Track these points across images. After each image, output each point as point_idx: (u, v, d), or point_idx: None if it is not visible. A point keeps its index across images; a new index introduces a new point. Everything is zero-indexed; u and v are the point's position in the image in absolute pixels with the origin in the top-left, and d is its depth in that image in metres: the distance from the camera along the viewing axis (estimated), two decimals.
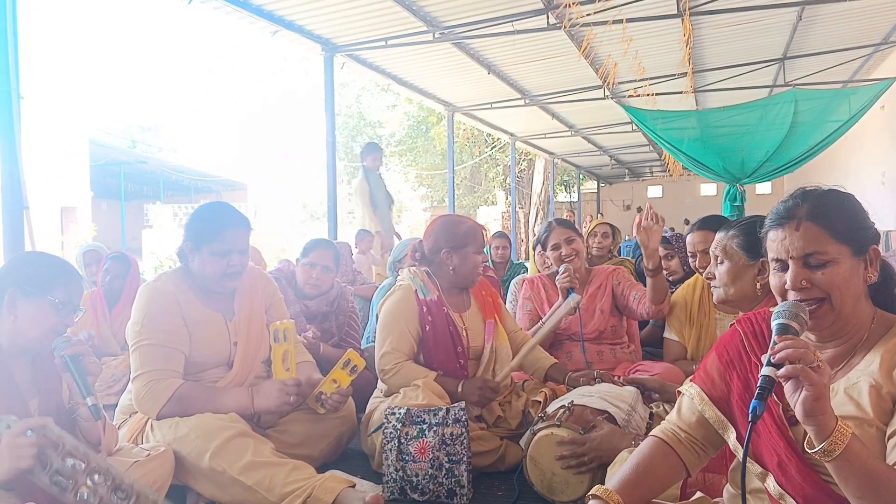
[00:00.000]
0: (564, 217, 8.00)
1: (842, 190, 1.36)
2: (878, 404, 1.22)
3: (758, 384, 1.17)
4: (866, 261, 1.31)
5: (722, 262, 2.20)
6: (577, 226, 3.79)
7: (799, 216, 1.30)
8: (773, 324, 1.23)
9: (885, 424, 1.22)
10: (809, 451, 1.15)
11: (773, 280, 1.33)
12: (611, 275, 3.36)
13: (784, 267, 1.31)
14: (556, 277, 3.19)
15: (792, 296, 1.29)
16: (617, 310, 3.31)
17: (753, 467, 1.32)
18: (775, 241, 1.32)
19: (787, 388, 1.15)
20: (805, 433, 1.24)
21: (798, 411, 1.13)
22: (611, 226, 4.88)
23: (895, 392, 1.22)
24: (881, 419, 1.22)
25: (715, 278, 2.23)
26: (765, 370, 1.17)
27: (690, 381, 1.48)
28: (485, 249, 2.88)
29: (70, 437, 1.61)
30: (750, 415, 1.16)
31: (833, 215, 1.29)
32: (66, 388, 1.92)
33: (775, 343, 1.18)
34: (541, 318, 3.33)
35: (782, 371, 1.13)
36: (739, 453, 1.34)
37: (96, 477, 1.59)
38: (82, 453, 1.60)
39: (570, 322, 3.20)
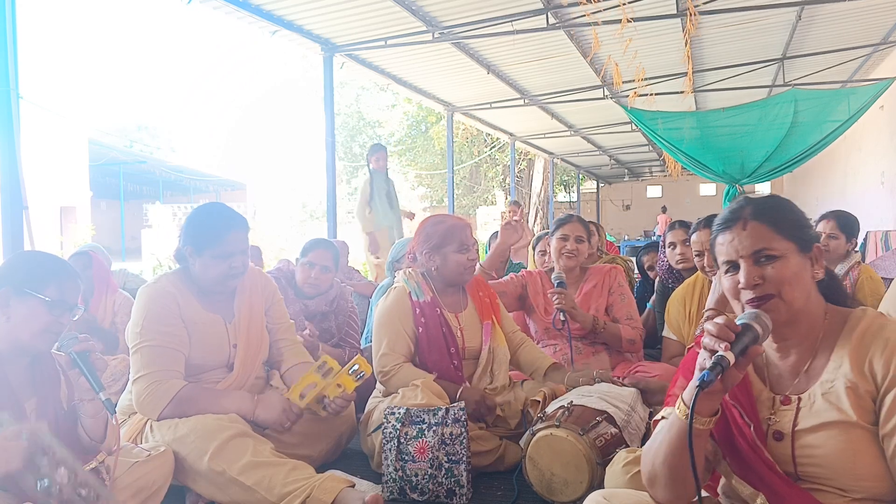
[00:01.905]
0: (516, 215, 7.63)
1: (780, 196, 1.43)
2: (858, 404, 1.25)
3: (712, 360, 1.19)
4: (812, 258, 1.35)
5: None
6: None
7: (744, 216, 1.36)
8: (740, 321, 1.25)
9: (870, 423, 1.24)
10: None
11: (726, 282, 1.38)
12: (607, 274, 3.28)
13: (735, 267, 1.35)
14: (550, 292, 3.10)
15: (745, 295, 1.32)
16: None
17: (745, 487, 1.34)
18: (724, 244, 1.38)
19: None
20: (781, 453, 1.29)
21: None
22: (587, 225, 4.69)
23: (872, 389, 1.24)
24: (864, 419, 1.24)
25: None
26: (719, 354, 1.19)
27: (665, 404, 1.47)
28: (482, 247, 2.88)
29: (61, 446, 1.61)
30: (699, 381, 1.18)
31: (776, 214, 1.35)
32: (64, 388, 1.91)
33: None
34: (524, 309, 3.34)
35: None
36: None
37: (83, 491, 1.60)
38: (70, 465, 1.60)
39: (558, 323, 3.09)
